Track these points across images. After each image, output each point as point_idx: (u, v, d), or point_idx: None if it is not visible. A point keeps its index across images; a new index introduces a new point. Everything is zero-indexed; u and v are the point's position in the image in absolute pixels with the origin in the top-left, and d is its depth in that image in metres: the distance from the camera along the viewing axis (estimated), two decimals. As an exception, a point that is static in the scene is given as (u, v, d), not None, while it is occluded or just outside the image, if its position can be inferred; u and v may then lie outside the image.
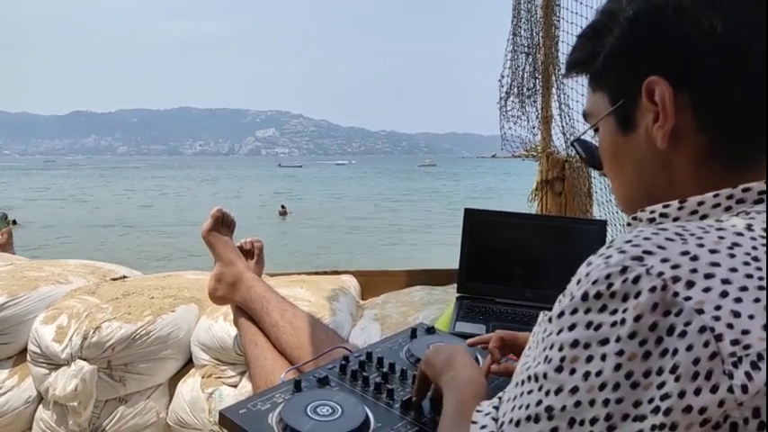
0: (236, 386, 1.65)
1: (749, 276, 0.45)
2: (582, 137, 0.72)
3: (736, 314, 0.43)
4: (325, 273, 2.28)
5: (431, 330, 1.15)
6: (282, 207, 24.49)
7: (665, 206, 0.56)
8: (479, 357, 1.02)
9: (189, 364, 1.79)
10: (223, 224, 1.61)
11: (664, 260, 0.45)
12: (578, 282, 0.49)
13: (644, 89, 0.56)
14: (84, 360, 1.60)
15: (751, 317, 0.43)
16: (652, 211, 0.57)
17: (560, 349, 0.48)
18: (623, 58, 0.58)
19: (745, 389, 0.41)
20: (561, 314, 0.49)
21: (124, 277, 2.13)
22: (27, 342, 1.72)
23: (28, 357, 1.71)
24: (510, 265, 1.68)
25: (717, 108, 0.54)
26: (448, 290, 2.01)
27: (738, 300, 0.43)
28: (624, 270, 0.46)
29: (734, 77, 0.53)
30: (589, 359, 0.46)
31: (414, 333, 1.13)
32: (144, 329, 1.64)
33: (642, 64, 0.56)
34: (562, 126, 2.65)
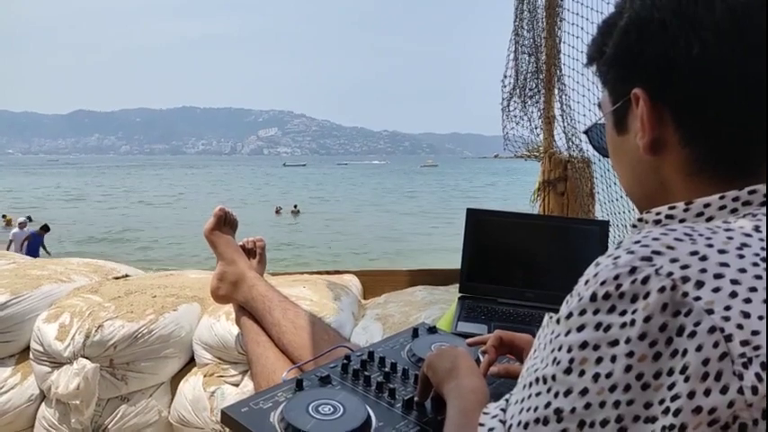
0: (237, 385, 1.65)
1: (758, 277, 0.44)
2: (594, 124, 0.72)
3: (746, 315, 0.42)
4: (327, 272, 2.28)
5: (432, 330, 1.15)
6: (295, 206, 24.67)
7: (670, 207, 0.55)
8: (481, 358, 1.02)
9: (191, 362, 1.79)
10: (225, 223, 1.61)
11: (673, 260, 0.45)
12: (586, 282, 0.48)
13: (632, 98, 0.57)
14: (87, 358, 1.60)
15: (761, 318, 0.43)
16: (658, 213, 0.56)
17: (569, 351, 0.47)
18: (617, 65, 0.60)
19: (755, 390, 0.41)
20: (569, 315, 0.48)
21: (126, 276, 2.13)
22: (29, 340, 1.72)
23: (30, 356, 1.71)
24: (512, 266, 1.68)
25: (696, 124, 0.55)
26: (450, 290, 2.01)
27: (748, 300, 0.43)
28: (633, 270, 0.45)
29: (711, 96, 0.53)
30: (599, 361, 0.45)
31: (415, 333, 1.13)
32: (146, 328, 1.64)
33: (631, 74, 0.58)
34: (564, 126, 2.64)
